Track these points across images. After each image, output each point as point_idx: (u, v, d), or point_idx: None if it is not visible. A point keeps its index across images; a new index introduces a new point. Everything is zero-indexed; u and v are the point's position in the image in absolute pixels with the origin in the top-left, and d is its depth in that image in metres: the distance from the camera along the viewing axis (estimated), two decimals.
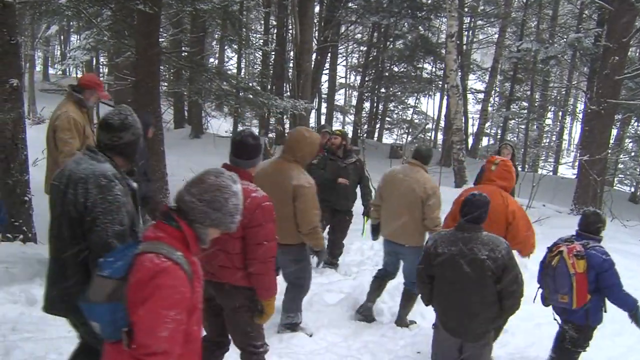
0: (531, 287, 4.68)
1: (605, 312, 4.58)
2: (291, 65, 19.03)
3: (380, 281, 5.85)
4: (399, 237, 5.53)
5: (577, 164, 14.64)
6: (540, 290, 4.77)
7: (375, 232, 6.04)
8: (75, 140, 5.37)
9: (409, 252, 5.48)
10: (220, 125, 23.06)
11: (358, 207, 7.48)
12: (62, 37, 31.99)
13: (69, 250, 2.99)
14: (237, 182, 2.49)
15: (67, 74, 31.55)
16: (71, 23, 23.37)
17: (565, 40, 17.44)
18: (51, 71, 32.27)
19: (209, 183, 2.38)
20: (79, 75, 30.16)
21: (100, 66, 26.73)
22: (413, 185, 5.35)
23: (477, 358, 4.23)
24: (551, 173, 24.59)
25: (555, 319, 4.78)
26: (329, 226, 7.30)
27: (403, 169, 5.69)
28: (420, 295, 4.56)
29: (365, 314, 5.77)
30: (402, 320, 5.72)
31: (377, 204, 5.85)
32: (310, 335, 5.23)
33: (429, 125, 31.26)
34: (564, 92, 29.57)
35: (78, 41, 16.44)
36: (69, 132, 5.33)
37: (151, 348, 2.12)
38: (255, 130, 25.34)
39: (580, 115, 25.56)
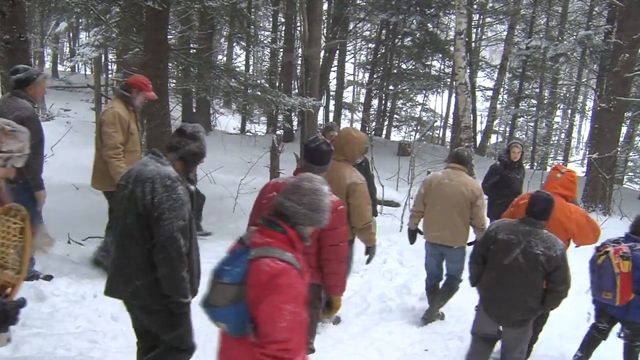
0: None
1: None
2: (299, 62, 19.03)
3: (433, 289, 6.06)
4: (447, 239, 5.76)
5: (586, 161, 14.57)
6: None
7: (413, 237, 6.19)
8: (118, 135, 5.65)
9: (456, 253, 5.80)
10: (228, 122, 23.09)
11: None
12: (71, 34, 32.06)
13: (135, 243, 3.40)
14: (324, 184, 2.80)
15: (76, 70, 31.69)
16: (80, 20, 23.43)
17: (574, 37, 17.36)
18: (60, 68, 32.39)
19: (305, 188, 2.68)
20: (87, 72, 30.34)
21: (109, 63, 26.75)
22: (461, 188, 5.62)
23: (515, 343, 4.52)
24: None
25: (588, 313, 5.12)
26: None
27: (447, 174, 5.87)
28: (469, 276, 4.76)
29: (429, 319, 5.95)
30: (431, 314, 5.95)
31: (419, 210, 6.02)
32: (318, 333, 5.24)
33: (437, 123, 31.18)
34: (573, 90, 29.42)
35: (87, 38, 16.45)
36: (113, 126, 5.62)
37: (274, 337, 2.43)
38: (263, 128, 25.40)
39: (590, 113, 25.47)
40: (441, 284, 6.08)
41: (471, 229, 5.85)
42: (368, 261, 5.34)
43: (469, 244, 5.81)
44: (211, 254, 7.67)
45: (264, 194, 4.07)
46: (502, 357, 4.66)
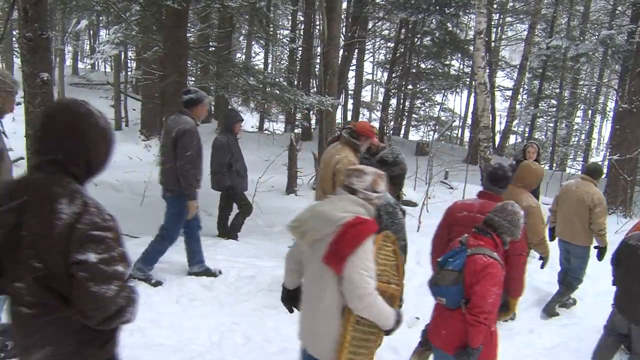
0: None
1: None
2: (318, 61, 19.02)
3: (562, 280, 6.93)
4: (566, 236, 6.77)
5: (606, 163, 14.39)
6: None
7: (552, 233, 7.05)
8: None
9: (577, 250, 6.71)
10: (246, 120, 23.14)
11: None
12: (91, 32, 32.34)
13: None
14: (521, 209, 3.95)
15: (96, 68, 31.94)
16: (100, 18, 23.65)
17: (596, 37, 17.15)
18: (80, 65, 32.70)
19: (509, 210, 3.84)
20: (107, 70, 30.59)
21: (129, 60, 26.96)
22: (583, 195, 6.56)
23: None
24: (579, 172, 24.26)
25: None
26: None
27: (576, 182, 6.87)
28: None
29: (550, 312, 6.77)
30: (551, 308, 6.78)
31: (554, 209, 7.04)
32: None
33: (456, 123, 31.06)
34: (594, 90, 29.15)
35: (107, 36, 16.57)
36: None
37: (483, 308, 3.54)
38: (282, 126, 25.44)
39: (611, 114, 25.17)
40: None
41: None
42: (542, 266, 6.22)
43: (595, 247, 6.69)
44: (230, 251, 7.74)
45: (454, 210, 4.73)
46: (631, 357, 5.01)
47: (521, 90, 25.41)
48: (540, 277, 7.16)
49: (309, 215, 3.13)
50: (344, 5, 19.43)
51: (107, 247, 2.11)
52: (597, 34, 18.85)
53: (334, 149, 5.96)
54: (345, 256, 2.88)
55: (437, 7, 19.46)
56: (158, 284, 6.05)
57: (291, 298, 3.51)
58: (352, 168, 3.26)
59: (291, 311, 3.57)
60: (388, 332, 3.23)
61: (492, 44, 23.51)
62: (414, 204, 11.83)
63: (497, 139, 24.79)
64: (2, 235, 2.11)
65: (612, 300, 4.96)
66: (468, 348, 3.60)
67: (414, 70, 23.75)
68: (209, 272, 6.46)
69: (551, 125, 26.89)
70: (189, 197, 5.97)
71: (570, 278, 6.80)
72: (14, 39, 20.84)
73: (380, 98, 30.47)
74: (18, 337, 2.24)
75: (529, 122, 25.51)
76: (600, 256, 6.68)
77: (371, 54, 29.69)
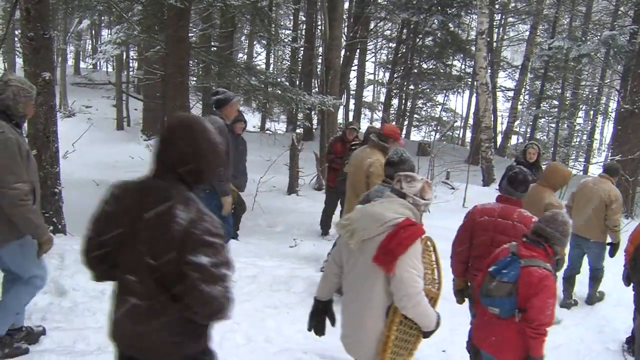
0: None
1: None
2: (320, 61, 19.03)
3: (569, 279, 7.17)
4: (581, 231, 6.93)
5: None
6: None
7: None
8: None
9: (593, 246, 6.96)
10: (248, 120, 23.14)
11: None
12: (93, 32, 32.37)
13: None
14: (569, 217, 3.96)
15: (98, 67, 31.97)
16: (102, 17, 23.67)
17: (598, 37, 17.13)
18: (82, 65, 32.70)
19: (559, 220, 3.80)
20: (109, 69, 30.59)
21: (131, 60, 26.98)
22: (600, 192, 6.84)
23: None
24: (581, 173, 24.22)
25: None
26: None
27: (594, 180, 7.26)
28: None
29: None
30: (593, 297, 7.17)
31: (569, 205, 7.27)
32: None
33: (458, 123, 31.03)
34: (596, 91, 29.07)
35: (109, 35, 16.63)
36: (381, 178, 5.98)
37: (542, 321, 3.57)
38: (283, 126, 25.45)
39: (613, 115, 25.11)
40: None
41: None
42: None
43: (608, 244, 6.95)
44: (231, 251, 7.73)
45: (474, 214, 4.69)
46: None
47: (523, 90, 25.36)
48: None
49: (359, 215, 3.25)
50: (346, 5, 19.45)
51: (216, 252, 2.35)
52: (599, 34, 18.81)
53: (363, 152, 6.18)
54: (397, 256, 3.01)
55: (439, 7, 19.47)
56: None
57: (322, 311, 3.58)
58: (404, 174, 3.40)
59: (318, 327, 3.62)
60: (427, 334, 3.34)
61: (494, 44, 23.48)
62: None
63: (499, 139, 24.78)
64: (121, 232, 2.40)
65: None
66: (530, 358, 3.65)
67: (415, 71, 23.74)
68: None
69: (553, 125, 26.83)
70: (222, 193, 6.07)
71: (593, 272, 7.12)
72: (16, 39, 20.86)
73: (382, 98, 30.46)
74: (126, 325, 2.47)
75: (531, 123, 25.48)
76: (612, 252, 6.94)
77: (373, 54, 29.69)
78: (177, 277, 2.32)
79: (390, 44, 27.42)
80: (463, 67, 26.62)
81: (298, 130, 20.32)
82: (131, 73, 25.67)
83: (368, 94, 34.27)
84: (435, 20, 20.73)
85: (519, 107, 24.91)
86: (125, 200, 2.45)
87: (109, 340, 2.56)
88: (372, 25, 23.56)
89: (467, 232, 4.71)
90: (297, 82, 21.23)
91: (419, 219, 3.29)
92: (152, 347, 2.46)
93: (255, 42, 26.30)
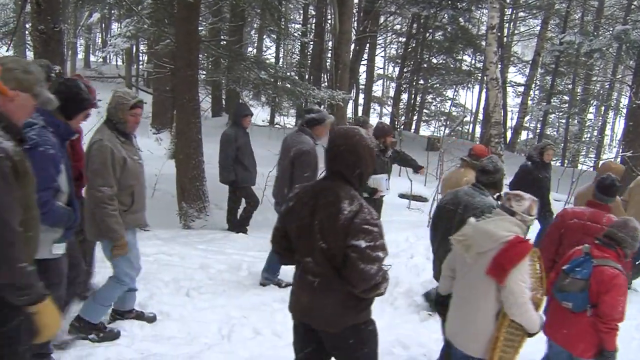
0: None
1: None
2: (329, 55, 18.97)
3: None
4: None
5: (619, 160, 14.28)
6: None
7: None
8: None
9: None
10: (257, 114, 23.14)
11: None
12: (103, 25, 32.47)
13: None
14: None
15: (108, 61, 32.06)
16: (112, 11, 23.70)
17: (610, 32, 16.98)
18: (92, 58, 32.82)
19: (631, 227, 4.10)
20: (119, 63, 30.63)
21: (140, 54, 27.04)
22: None
23: None
24: (592, 169, 24.08)
25: None
26: None
27: None
28: None
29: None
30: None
31: (625, 199, 7.45)
32: None
33: (467, 118, 30.92)
34: (607, 86, 28.89)
35: (119, 29, 16.65)
36: None
37: (613, 317, 3.84)
38: (292, 120, 25.42)
39: (624, 110, 24.94)
40: None
41: None
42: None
43: None
44: (240, 245, 7.75)
45: (565, 216, 5.22)
46: None
47: (533, 86, 25.27)
48: None
49: (473, 232, 3.66)
50: None
51: (373, 238, 2.89)
52: (611, 29, 18.68)
53: (458, 172, 6.84)
54: (508, 270, 3.40)
55: (449, 2, 19.38)
56: (288, 285, 5.97)
57: (442, 303, 4.02)
58: (513, 193, 3.77)
59: (442, 315, 4.04)
60: (531, 335, 3.68)
61: (505, 39, 23.35)
62: (425, 199, 11.81)
63: (509, 135, 24.68)
64: (299, 224, 3.04)
65: None
66: (604, 352, 3.95)
67: (425, 65, 23.67)
68: (280, 283, 6.40)
69: (563, 121, 26.71)
70: None
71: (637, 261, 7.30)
72: (26, 32, 20.93)
73: (392, 93, 30.40)
74: (303, 298, 3.13)
75: (541, 118, 25.33)
76: None
77: (382, 49, 29.59)
78: (343, 258, 2.91)
79: (400, 39, 27.34)
80: (473, 62, 26.53)
81: None
82: (141, 66, 25.75)
83: (377, 89, 34.25)
84: (446, 15, 20.61)
85: (529, 102, 24.81)
86: (304, 198, 3.05)
87: (288, 311, 3.28)
88: (382, 20, 23.49)
89: (557, 232, 5.18)
90: (307, 77, 21.20)
91: (525, 234, 3.66)
92: (324, 316, 3.06)
93: (264, 36, 26.26)
